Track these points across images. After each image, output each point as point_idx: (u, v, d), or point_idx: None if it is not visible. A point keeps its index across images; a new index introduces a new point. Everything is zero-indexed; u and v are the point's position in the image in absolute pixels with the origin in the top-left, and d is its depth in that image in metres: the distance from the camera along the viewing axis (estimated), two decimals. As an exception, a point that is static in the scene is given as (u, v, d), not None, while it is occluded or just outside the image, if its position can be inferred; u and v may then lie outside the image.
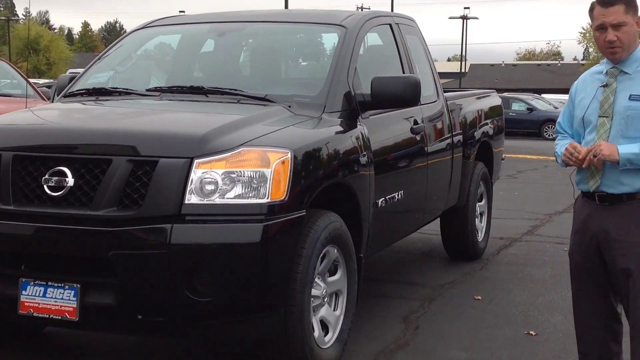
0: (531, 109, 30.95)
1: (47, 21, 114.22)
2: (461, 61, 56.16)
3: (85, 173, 3.72)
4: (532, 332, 5.01)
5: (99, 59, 5.47)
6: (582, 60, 65.96)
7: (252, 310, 3.79)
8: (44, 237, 3.77)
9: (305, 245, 3.91)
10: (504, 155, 8.12)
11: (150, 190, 3.64)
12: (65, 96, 5.05)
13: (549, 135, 27.81)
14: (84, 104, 4.84)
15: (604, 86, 3.48)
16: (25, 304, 3.77)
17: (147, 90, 4.85)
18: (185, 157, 3.67)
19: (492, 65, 66.24)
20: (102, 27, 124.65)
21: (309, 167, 4.00)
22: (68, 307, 3.72)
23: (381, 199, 4.88)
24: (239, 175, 3.69)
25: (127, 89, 4.91)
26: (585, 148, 3.41)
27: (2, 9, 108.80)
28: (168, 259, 3.58)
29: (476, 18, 54.21)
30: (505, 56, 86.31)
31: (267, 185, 3.70)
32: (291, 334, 3.89)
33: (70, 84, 5.17)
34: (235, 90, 4.65)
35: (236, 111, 4.40)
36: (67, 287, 3.72)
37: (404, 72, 5.52)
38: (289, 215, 3.77)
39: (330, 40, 5.08)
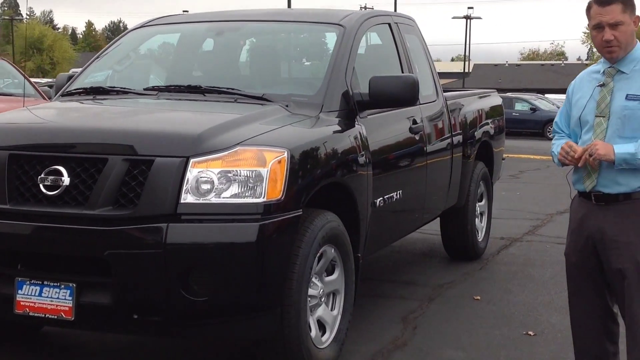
0: (534, 109, 30.91)
1: (51, 21, 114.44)
2: (464, 61, 56.10)
3: (81, 172, 3.71)
4: (530, 332, 5.00)
5: (98, 57, 5.47)
6: (586, 60, 65.88)
7: (248, 309, 3.78)
8: (39, 237, 3.77)
9: (302, 244, 3.90)
10: (504, 155, 8.10)
11: (146, 190, 3.63)
12: (63, 95, 5.05)
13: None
14: (81, 103, 4.84)
15: (601, 86, 3.46)
16: (21, 303, 3.76)
17: (145, 89, 4.84)
18: (181, 157, 3.66)
19: (495, 65, 66.15)
20: (105, 26, 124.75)
21: (305, 167, 3.98)
22: (64, 306, 3.71)
23: (379, 199, 4.86)
24: (235, 174, 3.68)
25: (124, 88, 4.91)
26: (581, 147, 3.40)
27: (5, 8, 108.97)
28: (164, 258, 3.57)
29: (479, 18, 54.21)
30: (509, 56, 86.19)
31: (263, 185, 3.68)
32: (288, 333, 3.88)
33: (68, 83, 5.16)
34: (233, 89, 4.64)
35: (233, 110, 4.39)
36: (62, 286, 3.72)
37: (403, 72, 5.51)
38: (285, 214, 3.76)
39: (328, 39, 5.07)
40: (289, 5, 31.59)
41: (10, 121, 4.30)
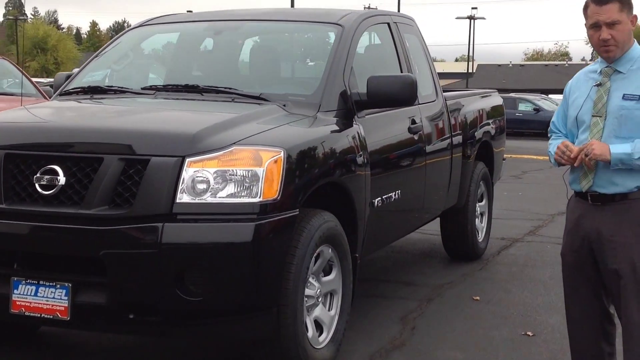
0: (538, 110, 30.86)
1: (56, 21, 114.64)
2: (468, 61, 56.04)
3: (76, 171, 3.71)
4: (529, 333, 4.98)
5: (96, 56, 5.46)
6: (590, 60, 65.73)
7: (244, 310, 3.77)
8: (35, 236, 3.76)
9: (299, 244, 3.89)
10: (505, 155, 8.08)
11: (141, 189, 3.62)
12: (61, 94, 5.04)
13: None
14: (79, 102, 4.83)
15: (597, 85, 3.44)
16: (17, 303, 3.75)
17: (142, 88, 4.84)
18: (176, 156, 3.65)
19: (499, 65, 66.05)
20: (110, 26, 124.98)
21: (302, 166, 3.97)
22: (59, 306, 3.70)
23: (378, 199, 4.85)
24: (231, 174, 3.67)
25: (122, 88, 4.91)
26: (578, 147, 3.38)
27: (10, 8, 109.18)
28: (159, 258, 3.57)
29: (483, 18, 54.16)
30: (513, 56, 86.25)
31: (260, 184, 3.67)
32: (284, 334, 3.87)
33: (66, 82, 5.16)
34: (230, 88, 4.63)
35: (230, 110, 4.38)
36: (58, 286, 3.71)
37: (402, 72, 5.50)
38: (281, 214, 3.75)
39: (327, 39, 5.05)
40: (292, 5, 31.57)
41: (7, 120, 4.29)
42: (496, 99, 7.69)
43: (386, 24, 5.62)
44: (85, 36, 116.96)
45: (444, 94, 6.45)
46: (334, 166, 4.28)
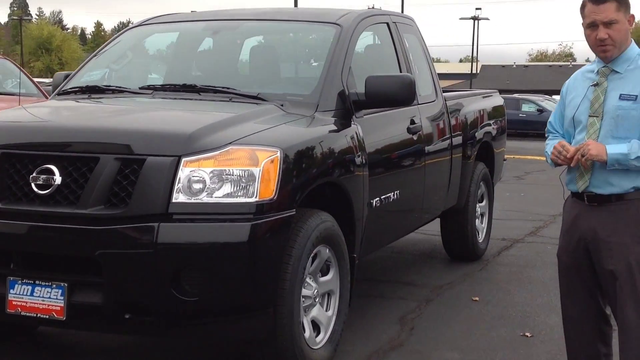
0: (541, 110, 30.81)
1: (60, 21, 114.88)
2: (472, 62, 55.99)
3: (72, 171, 3.70)
4: (528, 334, 4.97)
5: (95, 56, 5.46)
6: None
7: (240, 310, 3.76)
8: (31, 236, 3.75)
9: (295, 245, 3.87)
10: (505, 156, 8.06)
11: (137, 189, 3.61)
12: (59, 94, 5.04)
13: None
14: (76, 102, 4.83)
15: (594, 85, 3.43)
16: (13, 302, 3.75)
17: (140, 88, 4.83)
18: (172, 156, 3.64)
19: (503, 66, 65.97)
20: (114, 27, 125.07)
21: (299, 166, 3.96)
22: (55, 306, 3.70)
23: (376, 199, 4.83)
24: (227, 174, 3.66)
25: (120, 87, 4.91)
26: (574, 147, 3.37)
27: (15, 8, 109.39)
28: (155, 258, 3.56)
29: (487, 19, 54.09)
30: (518, 57, 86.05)
31: (256, 184, 3.66)
32: (280, 334, 3.86)
33: (64, 82, 5.16)
34: (228, 88, 4.62)
35: (227, 109, 4.37)
36: (54, 286, 3.70)
37: (401, 72, 5.48)
38: (278, 214, 3.74)
39: (325, 38, 5.03)
40: (296, 5, 31.56)
41: (3, 120, 4.28)
42: (497, 100, 7.67)
43: (385, 24, 5.61)
44: (90, 36, 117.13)
45: (444, 94, 6.44)
46: (331, 166, 4.27)
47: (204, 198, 3.63)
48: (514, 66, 66.37)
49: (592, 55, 3.52)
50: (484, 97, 7.43)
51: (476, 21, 52.84)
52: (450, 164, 6.19)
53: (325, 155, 4.22)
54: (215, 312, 3.72)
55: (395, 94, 4.65)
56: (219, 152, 3.69)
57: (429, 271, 6.67)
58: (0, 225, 3.76)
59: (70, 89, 5.01)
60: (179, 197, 3.61)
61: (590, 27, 3.38)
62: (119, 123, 4.17)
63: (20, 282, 3.75)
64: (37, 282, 3.73)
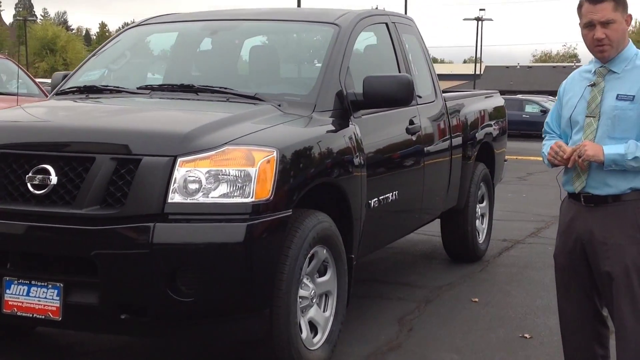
0: (545, 111, 30.73)
1: (65, 22, 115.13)
2: (475, 63, 55.94)
3: (68, 171, 3.69)
4: (526, 335, 4.95)
5: (94, 55, 5.46)
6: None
7: (236, 311, 3.75)
8: (27, 236, 3.74)
9: (292, 245, 3.86)
10: (511, 157, 8.03)
11: (133, 189, 3.60)
12: (57, 94, 5.04)
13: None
14: (73, 102, 4.82)
15: (591, 85, 3.41)
16: (9, 302, 3.74)
17: (138, 88, 4.82)
18: (168, 156, 3.63)
19: (507, 67, 65.94)
20: (119, 27, 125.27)
21: (296, 167, 3.95)
22: (51, 306, 3.69)
23: (374, 200, 4.82)
24: (223, 174, 3.65)
25: (117, 87, 4.90)
26: (571, 148, 3.35)
27: (20, 9, 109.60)
28: (150, 258, 3.54)
29: (490, 20, 54.05)
30: (522, 58, 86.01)
31: (252, 185, 3.65)
32: (277, 335, 3.85)
33: (62, 82, 5.15)
34: (226, 88, 4.61)
35: (224, 109, 4.36)
36: (50, 286, 3.69)
37: (400, 72, 5.46)
38: (274, 215, 3.72)
39: (323, 38, 5.02)
40: (299, 5, 31.56)
41: (1, 120, 4.28)
42: (497, 100, 7.65)
43: (384, 24, 5.59)
44: (95, 37, 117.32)
45: (444, 94, 6.42)
46: (328, 166, 4.26)
47: (199, 198, 3.61)
48: (518, 67, 66.33)
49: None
50: (484, 97, 7.41)
51: (480, 22, 52.82)
52: (450, 164, 6.17)
53: (323, 156, 4.21)
54: (211, 313, 3.71)
55: (393, 94, 4.64)
56: (215, 152, 3.68)
57: (429, 272, 6.66)
58: None
59: (68, 89, 5.01)
60: (174, 197, 3.60)
61: (588, 27, 3.36)
62: (115, 123, 4.16)
63: (16, 282, 3.74)
64: (33, 282, 3.72)
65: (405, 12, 38.07)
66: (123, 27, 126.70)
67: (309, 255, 4.04)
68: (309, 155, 4.10)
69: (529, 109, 30.86)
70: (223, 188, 3.63)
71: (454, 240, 6.87)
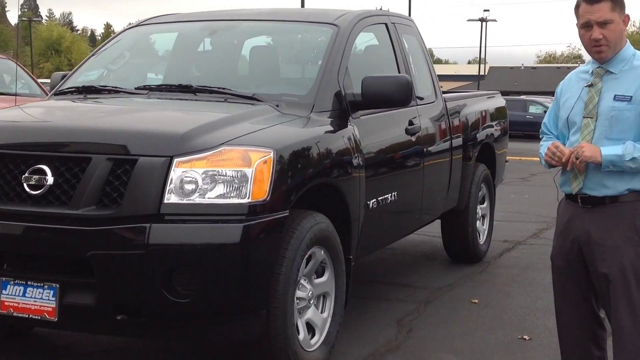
0: (548, 112, 30.70)
1: (70, 22, 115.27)
2: (479, 64, 55.86)
3: (65, 171, 3.68)
4: (526, 337, 4.93)
5: (93, 55, 5.45)
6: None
7: (233, 312, 3.74)
8: (23, 236, 3.74)
9: (289, 246, 3.85)
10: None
11: (129, 190, 3.59)
12: (56, 94, 5.04)
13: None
14: (71, 102, 4.81)
15: (589, 86, 3.39)
16: (6, 303, 3.73)
17: (136, 88, 4.81)
18: (164, 156, 3.62)
19: (511, 68, 65.86)
20: (124, 28, 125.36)
21: (293, 167, 3.93)
22: (47, 307, 3.68)
23: (373, 200, 4.80)
24: (220, 174, 3.64)
25: (115, 87, 4.89)
26: (568, 149, 3.33)
27: (25, 10, 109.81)
28: (146, 259, 3.53)
29: (494, 20, 53.95)
30: (526, 59, 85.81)
31: (248, 185, 3.64)
32: (274, 336, 3.84)
33: (61, 82, 5.15)
34: (224, 88, 4.60)
35: (221, 110, 4.35)
36: (46, 286, 3.69)
37: (399, 72, 5.44)
38: (271, 215, 3.71)
39: (322, 39, 5.00)
40: (303, 5, 31.58)
41: None
42: (499, 101, 7.63)
43: (384, 25, 5.58)
44: (100, 38, 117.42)
45: (445, 95, 6.40)
46: (326, 167, 4.24)
47: (196, 199, 3.60)
48: (522, 68, 66.24)
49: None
50: (485, 98, 7.39)
51: (484, 23, 52.73)
52: (450, 165, 6.16)
53: (320, 156, 4.19)
54: (207, 314, 3.70)
55: (391, 94, 4.62)
56: (211, 152, 3.67)
57: (429, 273, 6.64)
58: None
59: (67, 89, 5.01)
60: (170, 198, 3.59)
61: (585, 27, 3.34)
62: (111, 123, 4.15)
63: (12, 282, 3.74)
64: (29, 282, 3.72)
65: (409, 13, 38.04)
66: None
67: (307, 256, 4.03)
68: (307, 155, 4.08)
69: (532, 109, 30.81)
70: (219, 189, 3.62)
71: (455, 241, 6.85)
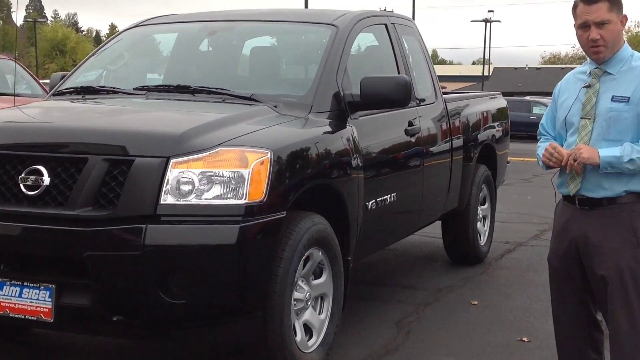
0: (553, 113, 30.63)
1: (76, 23, 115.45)
2: (483, 64, 55.81)
3: (61, 172, 3.67)
4: (525, 339, 4.90)
5: (92, 56, 5.45)
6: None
7: (229, 313, 3.72)
8: (20, 237, 3.72)
9: (286, 247, 3.83)
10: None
11: (125, 190, 3.58)
12: (54, 94, 5.03)
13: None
14: (69, 103, 4.80)
15: (586, 87, 3.37)
16: (2, 304, 3.72)
17: (134, 89, 4.79)
18: (161, 157, 3.61)
19: (515, 68, 65.77)
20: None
21: (290, 168, 3.92)
22: (43, 308, 3.67)
23: (372, 201, 4.78)
24: (217, 175, 3.62)
25: (114, 88, 4.88)
26: (566, 150, 3.31)
27: (31, 11, 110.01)
28: (142, 260, 3.52)
29: (499, 21, 53.89)
30: (531, 59, 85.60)
31: (245, 186, 3.62)
32: (270, 338, 3.82)
33: (60, 82, 5.14)
34: (222, 89, 4.59)
35: (219, 110, 4.34)
36: (42, 287, 3.67)
37: (399, 73, 5.43)
38: (267, 216, 3.69)
39: (321, 39, 4.99)
40: (306, 6, 31.60)
41: None
42: (500, 102, 7.61)
43: (383, 25, 5.56)
44: (105, 39, 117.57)
45: (445, 96, 6.39)
46: (324, 168, 4.23)
47: (192, 200, 3.59)
48: (526, 69, 66.14)
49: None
50: (486, 99, 7.36)
51: (488, 23, 52.67)
52: (451, 166, 6.13)
53: (318, 157, 4.18)
54: (203, 315, 3.68)
55: (390, 95, 4.60)
56: (208, 153, 3.66)
57: (430, 274, 6.62)
58: None
59: (65, 89, 5.00)
60: (167, 199, 3.57)
61: (582, 27, 3.33)
62: (108, 124, 4.14)
63: (8, 283, 3.73)
64: (25, 283, 3.70)
65: (413, 14, 38.01)
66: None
67: (304, 258, 4.01)
68: (304, 156, 4.07)
69: (536, 110, 30.76)
70: (216, 189, 3.61)
71: (455, 242, 6.83)
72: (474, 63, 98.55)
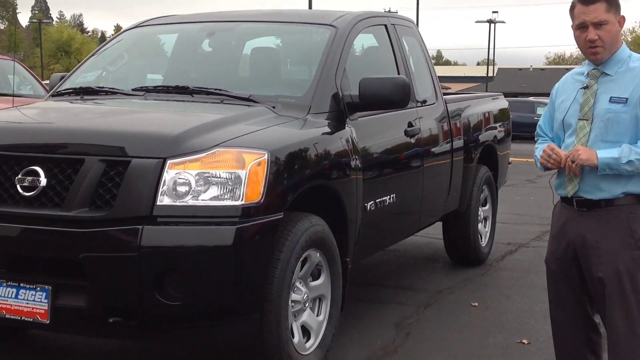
0: (557, 114, 30.56)
1: (81, 24, 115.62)
2: (487, 65, 55.73)
3: (58, 173, 3.66)
4: (524, 341, 4.88)
5: (92, 56, 5.44)
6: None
7: (226, 314, 3.71)
8: (16, 238, 3.71)
9: (283, 248, 3.82)
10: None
11: (122, 191, 3.56)
12: (53, 95, 5.03)
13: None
14: (68, 103, 4.80)
15: (584, 88, 3.35)
16: (-2, 305, 3.72)
17: (133, 89, 4.78)
18: (157, 158, 3.60)
19: (520, 69, 65.72)
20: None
21: (288, 169, 3.90)
22: (39, 309, 3.66)
23: (371, 202, 4.77)
24: (213, 176, 3.61)
25: (112, 88, 4.87)
26: (564, 151, 3.29)
27: (36, 11, 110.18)
28: (138, 261, 3.51)
29: (503, 22, 53.79)
30: (535, 60, 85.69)
31: (242, 187, 3.61)
32: (267, 339, 3.80)
33: (59, 83, 5.14)
34: (220, 90, 4.58)
35: (217, 111, 4.32)
36: (38, 288, 3.66)
37: (399, 74, 5.41)
38: (265, 218, 3.68)
39: (320, 40, 4.97)
40: (310, 7, 31.61)
41: None
42: (501, 102, 7.58)
43: (383, 26, 5.54)
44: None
45: (446, 97, 6.37)
46: (322, 169, 4.21)
47: (189, 201, 3.57)
48: (531, 69, 66.08)
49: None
50: (487, 100, 7.34)
51: (492, 24, 52.58)
52: (451, 167, 6.11)
53: (317, 158, 4.16)
54: (199, 317, 3.66)
55: (389, 96, 4.58)
56: (205, 154, 3.64)
57: (430, 276, 6.60)
58: None
59: (64, 90, 4.99)
60: (163, 200, 3.56)
61: (580, 28, 3.31)
62: (104, 124, 4.13)
63: (5, 284, 3.72)
64: (21, 284, 3.70)
65: (417, 15, 37.96)
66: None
67: (302, 259, 4.00)
68: (302, 157, 4.06)
69: (540, 111, 30.68)
70: (213, 191, 3.59)
71: (456, 243, 6.81)
72: (478, 64, 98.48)
